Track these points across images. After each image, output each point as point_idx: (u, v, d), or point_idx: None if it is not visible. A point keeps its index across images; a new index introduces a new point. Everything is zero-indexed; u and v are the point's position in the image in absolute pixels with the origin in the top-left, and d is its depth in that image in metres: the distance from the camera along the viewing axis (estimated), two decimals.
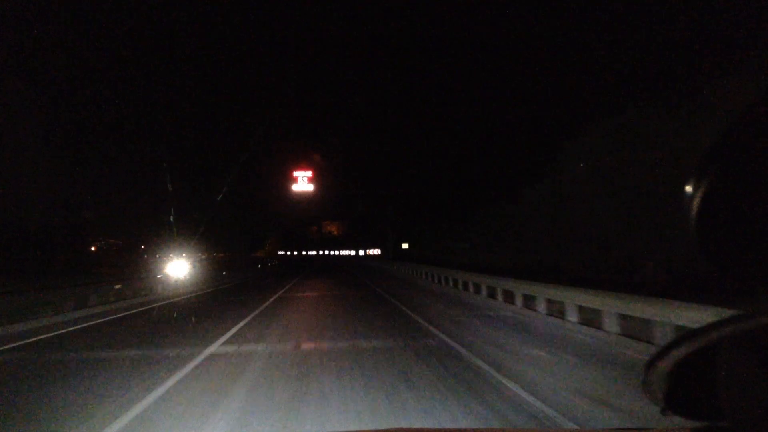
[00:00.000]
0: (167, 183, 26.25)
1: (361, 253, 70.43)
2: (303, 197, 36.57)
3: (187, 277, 18.03)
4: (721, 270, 0.62)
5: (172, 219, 25.44)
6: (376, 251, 63.27)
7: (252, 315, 9.37)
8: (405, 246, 41.43)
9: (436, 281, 17.02)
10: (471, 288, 12.88)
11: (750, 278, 0.60)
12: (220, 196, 32.16)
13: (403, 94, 42.95)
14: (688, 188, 0.63)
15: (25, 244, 28.31)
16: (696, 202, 0.62)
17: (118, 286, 12.72)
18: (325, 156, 38.78)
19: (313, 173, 35.35)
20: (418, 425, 3.37)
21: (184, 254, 22.47)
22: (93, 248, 44.22)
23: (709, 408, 0.77)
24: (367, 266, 36.94)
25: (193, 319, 9.10)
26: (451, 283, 15.02)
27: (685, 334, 0.73)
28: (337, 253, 77.20)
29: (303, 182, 34.94)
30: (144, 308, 11.12)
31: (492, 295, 11.18)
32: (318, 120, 49.16)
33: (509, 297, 10.20)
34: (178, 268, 18.38)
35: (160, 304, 11.93)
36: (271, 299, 12.60)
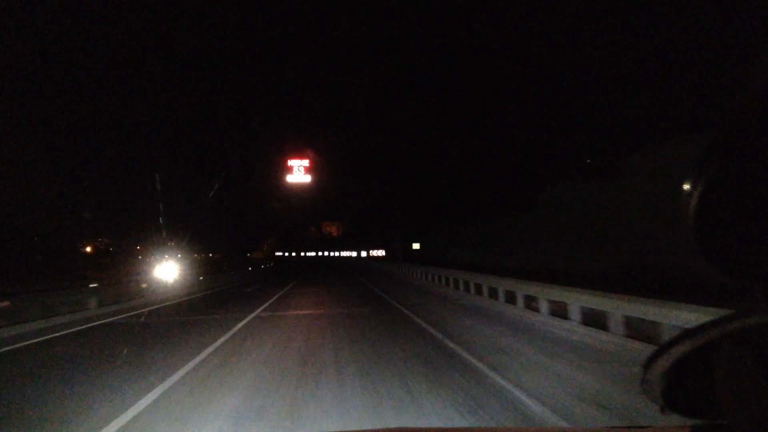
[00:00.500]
0: (156, 182, 26.14)
1: (363, 254, 65.94)
2: (299, 189, 32.35)
3: (149, 286, 14.40)
4: (719, 269, 0.60)
5: (161, 220, 24.94)
6: (380, 252, 58.74)
7: (194, 362, 5.18)
8: (416, 246, 37.03)
9: (472, 292, 12.79)
10: (544, 307, 8.53)
11: (749, 277, 0.59)
12: (212, 192, 32.63)
13: (405, 93, 39.84)
14: (686, 186, 0.61)
15: (21, 245, 27.70)
16: (694, 201, 0.61)
17: (5, 304, 8.31)
18: (324, 154, 35.02)
19: (311, 163, 31.08)
20: None
21: (178, 255, 21.73)
22: (89, 249, 42.74)
23: (707, 406, 0.74)
24: (372, 269, 32.84)
25: (63, 384, 4.68)
26: (501, 297, 10.68)
27: (683, 333, 0.67)
28: (337, 254, 73.53)
29: (299, 172, 30.77)
30: (11, 347, 6.62)
31: (601, 324, 6.83)
32: (317, 118, 46.00)
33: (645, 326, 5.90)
34: (166, 270, 17.13)
35: (56, 335, 7.54)
36: (242, 323, 8.36)
